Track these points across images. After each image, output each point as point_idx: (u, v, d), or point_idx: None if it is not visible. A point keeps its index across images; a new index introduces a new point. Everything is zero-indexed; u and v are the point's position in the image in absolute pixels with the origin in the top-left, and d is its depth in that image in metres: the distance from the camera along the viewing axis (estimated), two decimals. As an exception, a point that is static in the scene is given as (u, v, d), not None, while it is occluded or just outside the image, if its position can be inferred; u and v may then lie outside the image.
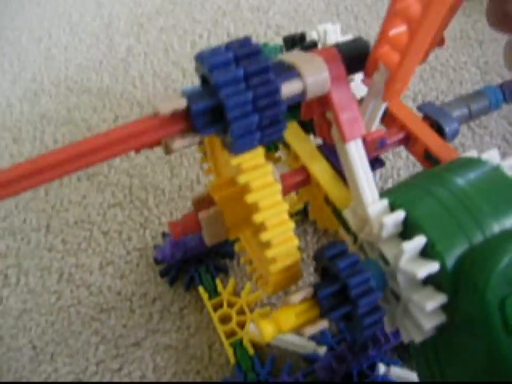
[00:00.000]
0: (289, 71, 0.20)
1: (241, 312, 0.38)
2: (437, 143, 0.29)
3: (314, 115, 0.25)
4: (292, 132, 0.29)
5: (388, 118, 0.30)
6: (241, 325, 0.38)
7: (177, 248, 0.40)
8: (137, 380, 0.37)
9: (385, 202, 0.23)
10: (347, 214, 0.25)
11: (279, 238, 0.22)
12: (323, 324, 0.22)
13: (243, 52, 0.19)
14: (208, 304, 0.39)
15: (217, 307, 0.39)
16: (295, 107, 0.24)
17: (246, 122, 0.19)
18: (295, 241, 0.23)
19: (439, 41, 0.27)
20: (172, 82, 0.58)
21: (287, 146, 0.30)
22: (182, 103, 0.18)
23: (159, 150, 0.53)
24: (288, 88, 0.20)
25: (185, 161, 0.50)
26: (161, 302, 0.41)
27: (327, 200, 0.27)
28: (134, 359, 0.38)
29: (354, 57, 0.22)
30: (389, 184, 0.47)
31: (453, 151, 0.29)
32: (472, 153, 0.26)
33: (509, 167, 0.24)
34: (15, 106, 0.58)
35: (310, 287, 0.22)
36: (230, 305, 0.39)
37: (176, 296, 0.41)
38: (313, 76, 0.20)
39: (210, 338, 0.39)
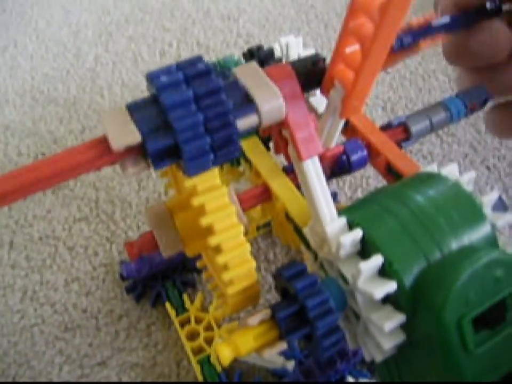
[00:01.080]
0: (245, 106, 0.19)
1: (209, 328, 0.38)
2: (399, 156, 0.29)
3: (272, 132, 0.25)
4: (253, 147, 0.28)
5: (349, 130, 0.30)
6: (209, 341, 0.37)
7: (143, 264, 0.39)
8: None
9: (343, 220, 0.22)
10: (307, 232, 0.24)
11: (236, 260, 0.22)
12: (283, 346, 0.22)
13: (193, 72, 0.18)
14: (176, 321, 0.38)
15: (184, 323, 0.38)
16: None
17: (198, 144, 0.18)
18: (252, 263, 0.22)
19: None
20: (140, 93, 0.57)
21: (248, 161, 0.30)
22: (136, 138, 0.18)
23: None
24: (245, 123, 0.19)
25: (153, 173, 0.49)
26: (128, 319, 0.40)
27: (288, 217, 0.26)
28: (100, 379, 0.37)
29: (310, 74, 0.22)
30: (358, 194, 0.47)
31: (415, 165, 0.29)
32: (432, 168, 0.26)
33: (467, 182, 0.24)
34: (-22, 117, 0.57)
35: (267, 308, 0.22)
36: (198, 321, 0.38)
37: (143, 313, 0.40)
38: (269, 103, 0.19)
39: (178, 355, 0.38)
